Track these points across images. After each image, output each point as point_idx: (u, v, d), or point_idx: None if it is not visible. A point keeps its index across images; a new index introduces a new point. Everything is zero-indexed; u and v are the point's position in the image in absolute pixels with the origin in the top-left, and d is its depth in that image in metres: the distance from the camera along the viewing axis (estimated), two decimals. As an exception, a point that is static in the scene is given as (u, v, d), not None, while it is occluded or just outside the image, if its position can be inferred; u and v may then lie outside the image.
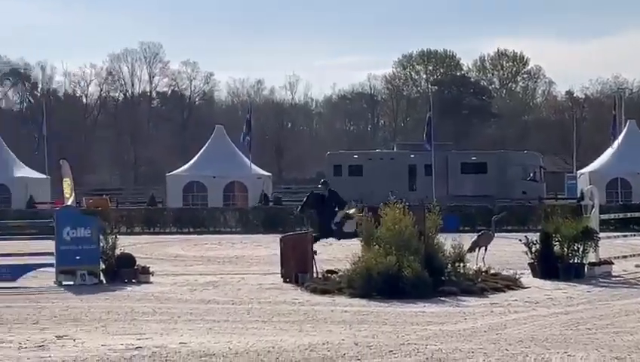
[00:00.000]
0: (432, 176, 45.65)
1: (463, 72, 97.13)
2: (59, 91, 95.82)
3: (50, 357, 9.57)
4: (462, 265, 16.49)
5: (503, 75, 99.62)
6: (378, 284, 14.71)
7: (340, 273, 16.34)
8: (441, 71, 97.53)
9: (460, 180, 50.60)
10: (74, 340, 10.80)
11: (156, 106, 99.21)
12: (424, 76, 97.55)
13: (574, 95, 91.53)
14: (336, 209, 21.14)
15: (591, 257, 18.30)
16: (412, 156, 51.91)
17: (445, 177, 49.55)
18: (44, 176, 50.59)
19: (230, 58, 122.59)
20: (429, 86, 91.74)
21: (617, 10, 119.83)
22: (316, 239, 19.53)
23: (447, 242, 16.55)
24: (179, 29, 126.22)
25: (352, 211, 20.94)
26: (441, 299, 14.89)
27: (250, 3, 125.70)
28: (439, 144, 49.24)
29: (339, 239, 21.19)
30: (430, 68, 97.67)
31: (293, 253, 17.68)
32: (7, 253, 18.72)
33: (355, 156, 55.27)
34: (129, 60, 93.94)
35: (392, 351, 9.99)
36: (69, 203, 30.59)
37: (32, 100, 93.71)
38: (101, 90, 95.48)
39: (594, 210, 19.87)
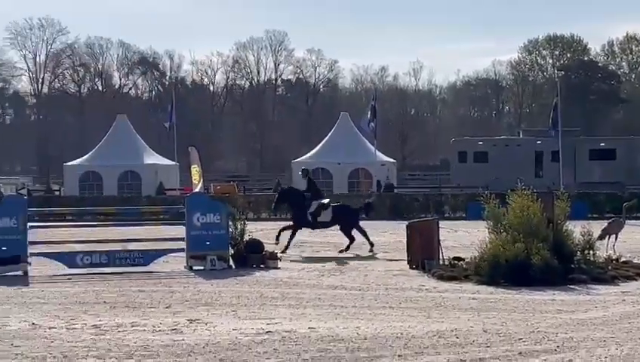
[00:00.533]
0: (558, 162, 43.30)
1: (590, 57, 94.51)
2: (187, 79, 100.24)
3: (183, 340, 9.67)
4: (592, 252, 16.00)
5: (632, 59, 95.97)
6: (506, 271, 14.47)
7: (467, 260, 16.16)
8: (568, 56, 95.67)
9: (588, 167, 48.78)
10: (205, 324, 10.95)
11: (281, 94, 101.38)
12: (550, 61, 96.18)
13: None
14: (322, 201, 21.35)
15: None
16: (538, 142, 50.35)
17: (572, 164, 47.51)
18: (173, 163, 52.36)
19: (354, 45, 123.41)
20: (556, 71, 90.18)
21: None
22: (292, 229, 20.67)
23: (576, 229, 16.03)
24: (303, 17, 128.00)
25: (326, 201, 21.06)
26: (571, 286, 14.55)
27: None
28: (566, 130, 46.97)
29: (313, 229, 21.40)
30: (557, 53, 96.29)
31: (420, 239, 17.45)
32: (139, 238, 19.56)
33: (480, 143, 53.51)
34: (255, 48, 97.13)
35: (521, 338, 9.77)
36: (197, 189, 31.35)
37: (160, 88, 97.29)
38: (227, 78, 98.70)
39: None
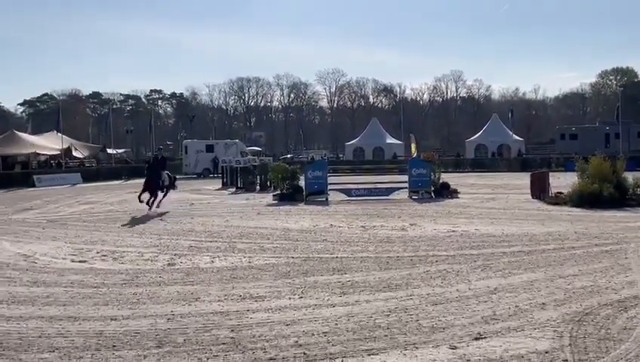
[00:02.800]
0: (619, 139, 57.42)
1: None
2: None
3: (407, 234, 15.35)
4: (638, 189, 21.01)
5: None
6: (588, 199, 20.00)
7: (565, 193, 21.76)
8: (625, 79, 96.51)
9: (636, 141, 62.41)
10: (420, 226, 16.58)
11: (460, 105, 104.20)
12: (614, 82, 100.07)
13: None
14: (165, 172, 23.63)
15: None
16: (607, 128, 63.44)
17: (627, 140, 59.90)
18: (400, 142, 68.74)
19: (500, 71, 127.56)
20: (618, 88, 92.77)
21: None
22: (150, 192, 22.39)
23: (630, 176, 21.35)
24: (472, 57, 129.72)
25: (165, 173, 23.57)
26: (626, 208, 19.42)
27: None
28: (624, 121, 59.85)
29: (162, 191, 23.08)
30: (618, 77, 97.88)
31: (538, 182, 23.89)
32: (384, 181, 27.00)
33: (573, 128, 70.58)
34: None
35: (596, 236, 14.28)
36: (414, 156, 36.60)
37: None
38: (431, 97, 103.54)
39: None
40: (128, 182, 44.60)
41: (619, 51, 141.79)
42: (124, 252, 13.18)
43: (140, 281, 10.28)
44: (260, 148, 77.18)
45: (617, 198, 19.68)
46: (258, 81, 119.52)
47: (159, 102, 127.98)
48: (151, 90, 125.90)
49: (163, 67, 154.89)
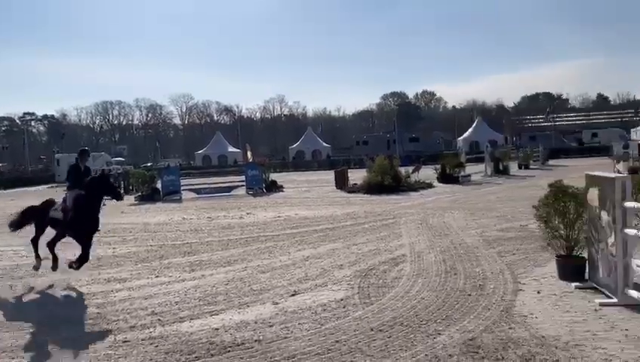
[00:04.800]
0: None
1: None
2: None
3: (244, 220, 15.43)
4: (409, 178, 22.68)
5: None
6: (374, 187, 21.03)
7: (359, 184, 22.80)
8: None
9: None
10: (253, 214, 16.67)
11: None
12: None
13: None
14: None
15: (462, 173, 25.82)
16: None
17: None
18: (239, 151, 65.13)
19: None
20: None
21: None
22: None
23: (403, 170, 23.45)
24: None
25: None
26: (400, 193, 20.63)
27: None
28: None
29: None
30: None
31: (340, 176, 24.70)
32: (226, 180, 26.31)
33: None
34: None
35: (379, 214, 15.20)
36: (250, 161, 37.08)
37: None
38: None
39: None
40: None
41: (395, 80, 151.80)
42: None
43: (19, 274, 9.42)
44: (123, 159, 73.23)
45: (394, 186, 21.19)
46: (120, 103, 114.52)
47: (32, 123, 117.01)
48: (24, 113, 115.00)
49: (34, 92, 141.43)
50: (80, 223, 8.30)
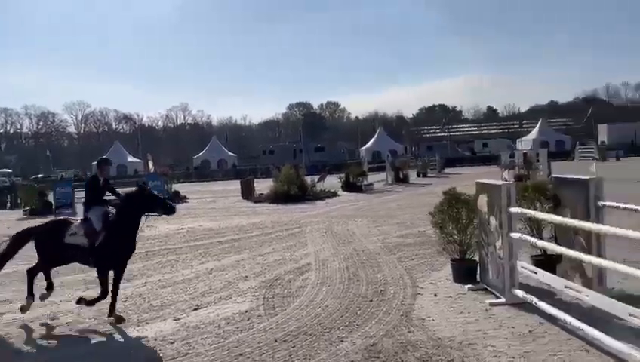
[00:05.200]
0: None
1: None
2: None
3: (144, 233, 13.92)
4: (315, 187, 22.93)
5: None
6: (281, 197, 21.10)
7: (265, 193, 22.71)
8: None
9: None
10: (154, 226, 15.63)
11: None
12: None
13: None
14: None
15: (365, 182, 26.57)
16: None
17: None
18: (139, 160, 62.01)
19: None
20: None
21: None
22: None
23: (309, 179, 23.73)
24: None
25: None
26: (306, 201, 20.78)
27: None
28: None
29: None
30: None
31: (246, 186, 24.54)
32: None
33: None
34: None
35: (285, 223, 15.20)
36: (151, 171, 36.08)
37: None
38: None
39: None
40: None
41: (300, 90, 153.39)
42: None
43: None
44: (9, 171, 67.94)
45: (300, 195, 21.38)
46: (6, 111, 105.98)
47: None
48: None
49: None
50: (114, 250, 6.62)
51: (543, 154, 25.61)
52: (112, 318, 6.57)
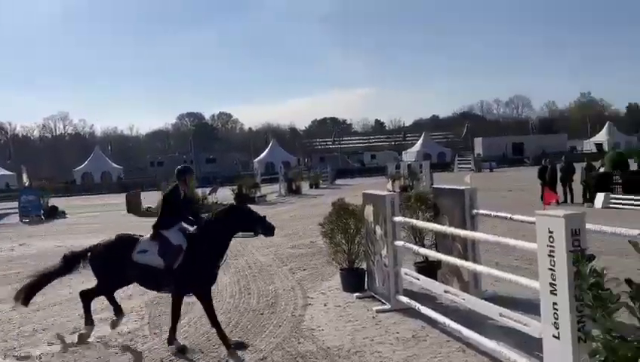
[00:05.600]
0: None
1: None
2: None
3: (14, 252, 13.64)
4: (206, 200, 22.13)
5: None
6: None
7: (153, 208, 21.82)
8: None
9: None
10: (29, 245, 14.79)
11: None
12: None
13: None
14: None
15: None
16: None
17: None
18: (12, 173, 55.99)
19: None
20: None
21: None
22: None
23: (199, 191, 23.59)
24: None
25: None
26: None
27: None
28: None
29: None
30: None
31: (133, 200, 23.86)
32: None
33: None
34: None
35: None
36: (26, 185, 33.63)
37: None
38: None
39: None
40: None
41: (191, 100, 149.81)
42: None
43: None
44: None
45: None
46: None
47: None
48: None
49: None
50: (196, 274, 5.64)
51: (426, 165, 27.18)
52: (231, 346, 5.52)
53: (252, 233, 6.04)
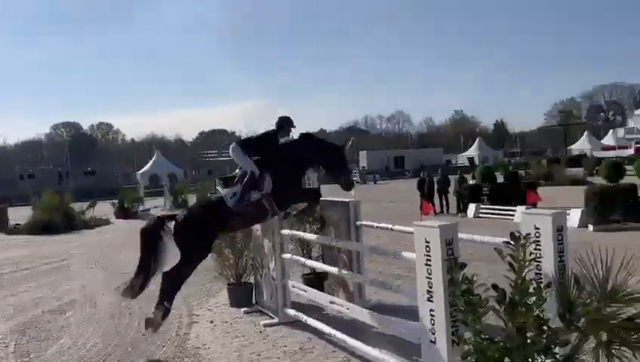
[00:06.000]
0: None
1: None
2: None
3: None
4: (83, 215, 21.15)
5: None
6: (42, 227, 19.15)
7: (22, 224, 20.19)
8: None
9: None
10: None
11: None
12: None
13: None
14: None
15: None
16: None
17: None
18: None
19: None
20: None
21: None
22: None
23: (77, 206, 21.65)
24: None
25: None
26: (73, 231, 19.01)
27: None
28: None
29: None
30: None
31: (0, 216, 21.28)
32: None
33: None
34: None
35: (47, 256, 13.54)
36: None
37: None
38: None
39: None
40: None
41: (67, 109, 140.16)
42: None
43: None
44: None
45: (66, 224, 19.27)
46: None
47: None
48: None
49: None
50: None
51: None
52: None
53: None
